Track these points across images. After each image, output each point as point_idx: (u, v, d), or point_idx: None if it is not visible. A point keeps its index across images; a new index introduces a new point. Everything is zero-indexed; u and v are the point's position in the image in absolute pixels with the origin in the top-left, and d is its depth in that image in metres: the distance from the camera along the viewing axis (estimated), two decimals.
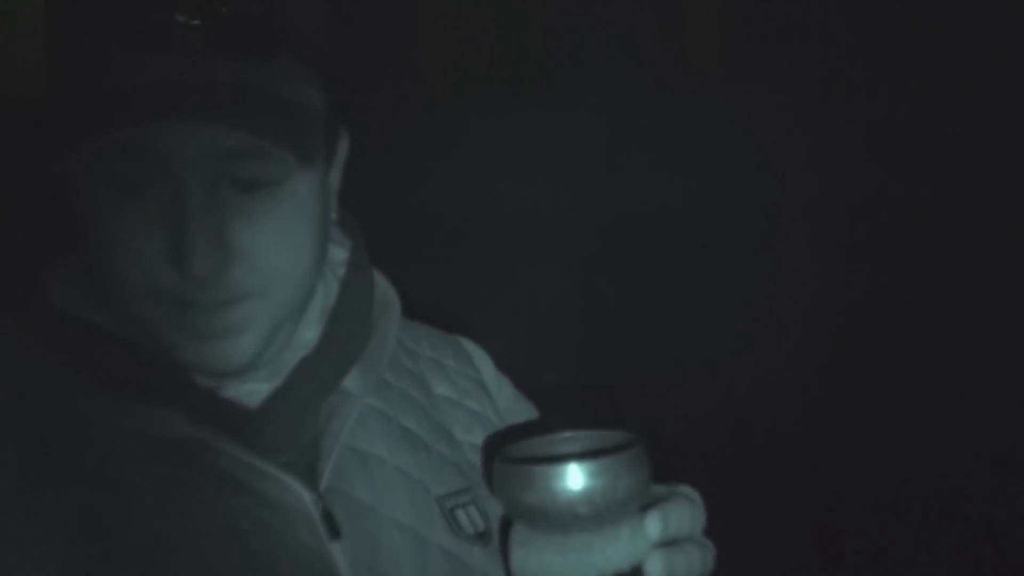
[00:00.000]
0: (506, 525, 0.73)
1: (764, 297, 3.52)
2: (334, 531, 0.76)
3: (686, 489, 0.74)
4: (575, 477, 0.66)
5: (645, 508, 0.69)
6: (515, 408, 0.99)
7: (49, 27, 0.77)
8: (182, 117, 0.69)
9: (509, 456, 0.71)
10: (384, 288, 0.93)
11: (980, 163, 3.62)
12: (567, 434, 0.74)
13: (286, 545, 0.75)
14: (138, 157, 0.71)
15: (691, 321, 3.57)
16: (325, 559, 0.75)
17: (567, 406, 1.01)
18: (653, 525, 0.68)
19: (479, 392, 0.96)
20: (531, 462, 0.69)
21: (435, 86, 4.34)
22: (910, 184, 3.67)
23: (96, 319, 0.79)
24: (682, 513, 0.70)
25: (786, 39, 3.94)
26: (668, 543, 0.69)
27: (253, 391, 0.81)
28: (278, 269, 0.76)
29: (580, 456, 0.68)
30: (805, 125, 3.69)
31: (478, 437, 0.92)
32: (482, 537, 0.84)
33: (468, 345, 1.01)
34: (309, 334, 0.85)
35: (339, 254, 0.91)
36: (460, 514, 0.84)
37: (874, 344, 3.55)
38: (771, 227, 3.68)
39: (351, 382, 0.84)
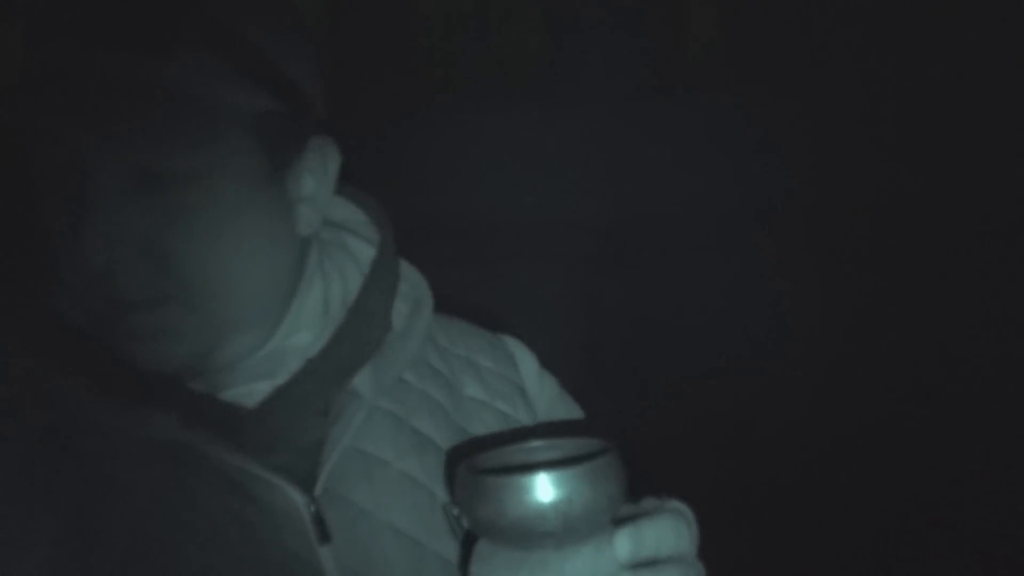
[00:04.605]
0: (469, 540, 0.70)
1: (766, 298, 3.51)
2: (324, 535, 0.75)
3: (677, 505, 0.70)
4: (525, 491, 0.62)
5: (621, 524, 0.64)
6: (557, 410, 0.96)
7: None
8: (70, 108, 0.68)
9: (472, 466, 0.67)
10: (418, 286, 0.91)
11: (986, 163, 3.61)
12: (537, 443, 0.70)
13: (274, 548, 0.74)
14: (42, 148, 0.71)
15: (692, 322, 3.57)
16: (313, 563, 0.74)
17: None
18: (623, 544, 0.63)
19: (514, 394, 0.93)
20: (491, 473, 0.65)
21: (434, 86, 4.34)
22: (914, 184, 3.66)
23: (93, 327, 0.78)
24: (662, 531, 0.64)
25: (787, 39, 3.94)
26: (644, 564, 0.64)
27: (253, 391, 0.80)
28: (199, 275, 0.74)
29: (533, 468, 0.63)
30: (806, 125, 3.68)
31: None
32: None
33: (512, 345, 0.98)
34: (304, 337, 0.83)
35: (367, 252, 0.89)
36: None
37: (877, 346, 3.55)
38: (773, 227, 3.67)
39: (361, 383, 0.82)
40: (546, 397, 0.96)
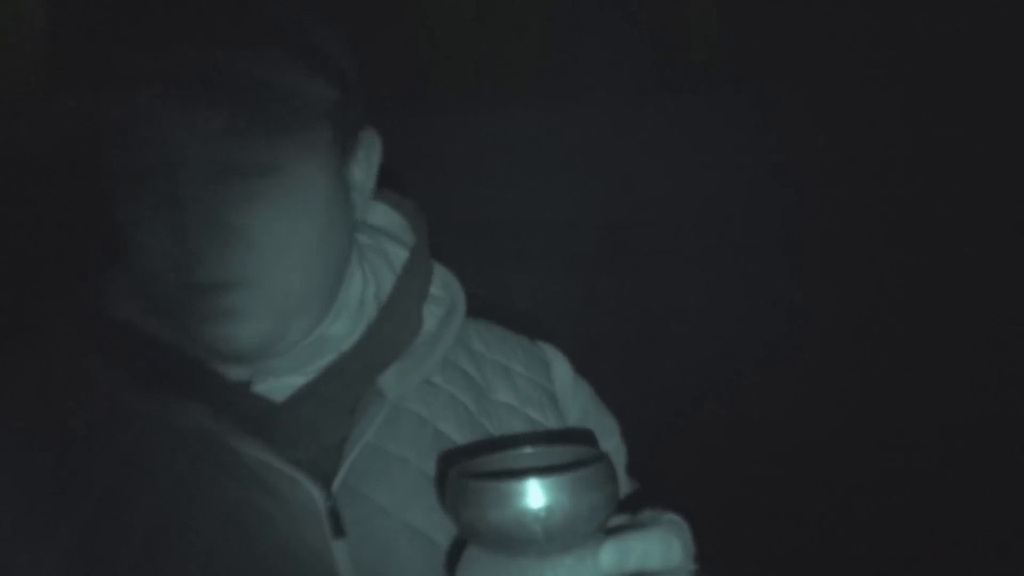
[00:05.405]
0: (458, 543, 0.71)
1: (768, 298, 3.51)
2: (339, 530, 0.77)
3: (672, 517, 0.70)
4: (506, 497, 0.62)
5: (611, 535, 0.64)
6: (589, 418, 0.98)
7: (46, 21, 0.81)
8: (170, 101, 0.72)
9: (461, 470, 0.68)
10: (452, 290, 0.94)
11: (998, 161, 3.60)
12: (529, 450, 0.71)
13: (290, 540, 0.77)
14: (137, 141, 0.74)
15: (694, 323, 3.56)
16: (325, 557, 0.76)
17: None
18: (607, 556, 0.63)
19: (545, 401, 0.95)
20: (474, 478, 0.65)
21: (434, 86, 4.34)
22: (922, 183, 3.66)
23: (135, 319, 0.83)
24: (650, 545, 0.65)
25: (790, 36, 3.93)
26: None
27: (284, 386, 0.83)
28: (275, 256, 0.77)
29: (517, 475, 0.64)
30: (810, 124, 3.68)
31: None
32: None
33: (549, 352, 1.00)
34: (342, 326, 0.86)
35: (402, 255, 0.92)
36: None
37: (880, 346, 3.54)
38: (773, 228, 3.67)
39: (386, 383, 0.84)
40: (579, 406, 0.98)
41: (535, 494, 0.62)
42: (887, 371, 3.48)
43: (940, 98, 3.67)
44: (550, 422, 0.92)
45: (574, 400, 0.97)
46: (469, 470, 0.68)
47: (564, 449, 0.70)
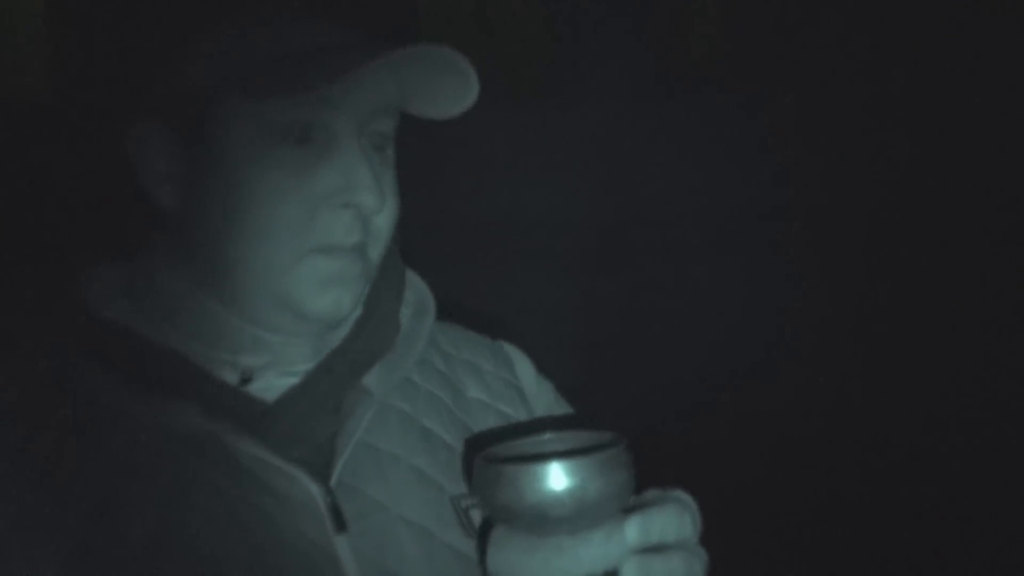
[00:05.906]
0: (486, 528, 0.73)
1: (766, 298, 3.51)
2: (340, 525, 0.78)
3: (680, 494, 0.73)
4: (543, 478, 0.66)
5: (630, 511, 0.68)
6: (555, 412, 1.01)
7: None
8: (366, 71, 0.76)
9: (489, 456, 0.70)
10: (421, 291, 0.96)
11: (990, 164, 3.61)
12: (549, 435, 0.74)
13: (292, 537, 0.78)
14: (312, 108, 0.77)
15: (692, 322, 3.57)
16: (329, 552, 0.78)
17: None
18: (632, 530, 0.67)
19: (514, 396, 0.97)
20: (507, 462, 0.68)
21: None
22: (918, 185, 3.67)
23: (127, 321, 0.83)
24: (667, 519, 0.68)
25: (789, 38, 3.94)
26: (650, 549, 0.67)
27: (274, 386, 0.83)
28: (386, 223, 0.83)
29: (549, 457, 0.68)
30: (808, 125, 3.69)
31: None
32: None
33: (510, 350, 1.03)
34: (359, 309, 0.88)
35: None
36: (476, 514, 0.85)
37: (876, 345, 3.55)
38: (772, 227, 3.67)
39: (372, 381, 0.86)
40: (544, 400, 1.00)
41: (570, 474, 0.65)
42: (885, 369, 3.48)
43: (939, 99, 3.68)
44: (521, 417, 0.95)
45: (538, 396, 1.00)
46: (493, 457, 0.71)
47: (580, 434, 0.74)
